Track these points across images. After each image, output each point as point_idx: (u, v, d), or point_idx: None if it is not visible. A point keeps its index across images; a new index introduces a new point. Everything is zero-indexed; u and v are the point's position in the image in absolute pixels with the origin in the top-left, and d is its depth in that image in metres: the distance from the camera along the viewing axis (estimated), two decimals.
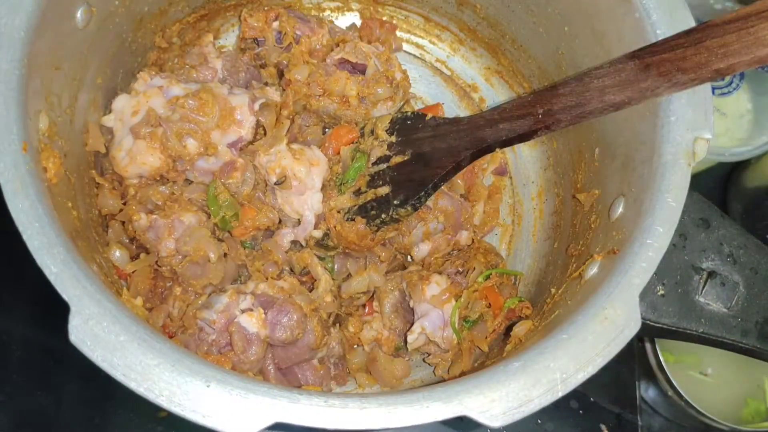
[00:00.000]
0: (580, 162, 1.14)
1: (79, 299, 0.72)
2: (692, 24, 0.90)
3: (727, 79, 1.50)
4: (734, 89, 1.51)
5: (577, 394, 1.26)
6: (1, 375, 1.18)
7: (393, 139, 1.10)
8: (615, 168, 0.99)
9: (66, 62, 0.91)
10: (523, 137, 0.97)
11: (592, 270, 0.91)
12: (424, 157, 1.05)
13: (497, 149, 1.01)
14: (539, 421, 1.23)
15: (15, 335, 1.21)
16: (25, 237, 0.73)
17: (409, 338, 1.06)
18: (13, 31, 0.79)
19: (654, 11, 0.91)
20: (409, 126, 1.10)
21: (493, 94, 1.37)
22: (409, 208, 1.05)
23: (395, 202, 1.05)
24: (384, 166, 1.08)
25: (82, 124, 0.99)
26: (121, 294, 0.90)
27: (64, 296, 0.72)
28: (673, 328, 0.87)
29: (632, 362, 1.29)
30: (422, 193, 1.04)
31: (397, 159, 1.07)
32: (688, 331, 0.87)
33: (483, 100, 1.37)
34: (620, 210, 0.93)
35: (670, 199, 0.84)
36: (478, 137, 1.01)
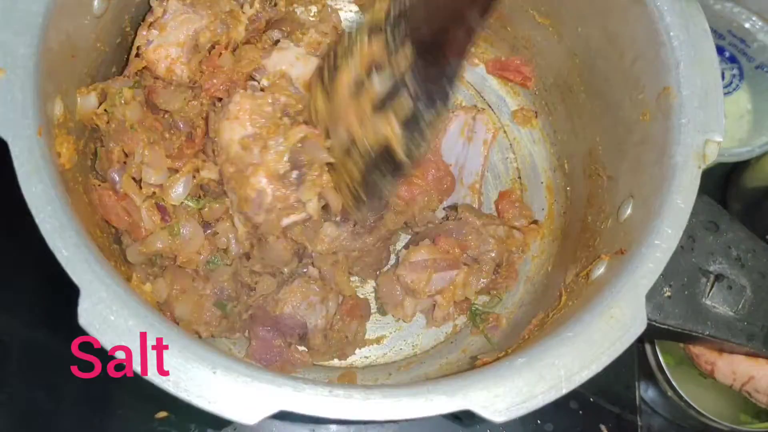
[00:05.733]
0: (590, 163, 1.14)
1: (90, 283, 0.73)
2: (706, 26, 0.90)
3: (727, 79, 1.49)
4: (734, 89, 1.49)
5: (577, 395, 1.26)
6: (1, 375, 1.17)
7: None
8: (625, 169, 0.99)
9: (82, 49, 0.92)
10: None
11: (599, 270, 0.91)
12: (429, 45, 0.85)
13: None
14: (539, 422, 1.23)
15: (15, 335, 1.20)
16: (38, 220, 0.73)
17: None
18: (31, 17, 0.80)
19: (668, 14, 0.91)
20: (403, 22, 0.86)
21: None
22: (439, 106, 0.89)
23: (421, 107, 0.87)
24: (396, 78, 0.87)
25: None
26: (130, 280, 0.90)
27: (75, 279, 0.72)
28: (679, 330, 0.87)
29: (632, 362, 1.29)
30: (445, 82, 0.87)
31: (402, 62, 0.86)
32: (694, 334, 0.88)
33: None
34: (629, 211, 0.93)
35: (679, 201, 0.84)
36: None
